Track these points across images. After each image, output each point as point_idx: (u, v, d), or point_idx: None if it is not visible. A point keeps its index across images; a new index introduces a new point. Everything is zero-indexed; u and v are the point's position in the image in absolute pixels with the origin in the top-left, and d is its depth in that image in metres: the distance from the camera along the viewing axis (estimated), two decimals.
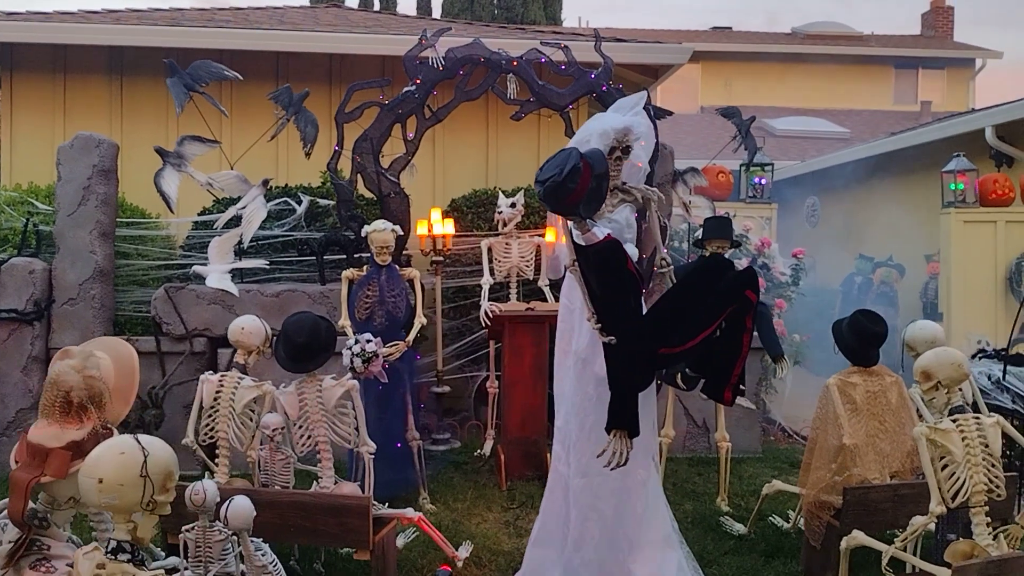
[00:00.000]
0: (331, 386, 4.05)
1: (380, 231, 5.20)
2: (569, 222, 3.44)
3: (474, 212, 7.24)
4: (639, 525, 3.89)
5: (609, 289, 3.37)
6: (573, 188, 3.20)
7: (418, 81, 6.17)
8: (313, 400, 4.05)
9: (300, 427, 4.07)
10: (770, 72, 21.06)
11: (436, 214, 6.59)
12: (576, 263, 3.51)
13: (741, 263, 7.45)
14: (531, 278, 6.29)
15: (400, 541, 4.58)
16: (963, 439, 3.53)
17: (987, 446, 3.55)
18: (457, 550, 4.47)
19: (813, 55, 20.97)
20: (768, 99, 20.65)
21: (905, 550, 3.77)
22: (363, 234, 5.33)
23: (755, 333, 5.25)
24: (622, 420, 3.33)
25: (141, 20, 8.44)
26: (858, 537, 3.77)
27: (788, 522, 4.96)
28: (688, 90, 20.83)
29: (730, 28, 23.58)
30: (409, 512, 4.25)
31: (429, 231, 6.52)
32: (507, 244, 6.20)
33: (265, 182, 6.11)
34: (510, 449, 5.79)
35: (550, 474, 4.03)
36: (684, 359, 3.68)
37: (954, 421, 3.57)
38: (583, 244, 3.40)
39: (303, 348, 4.03)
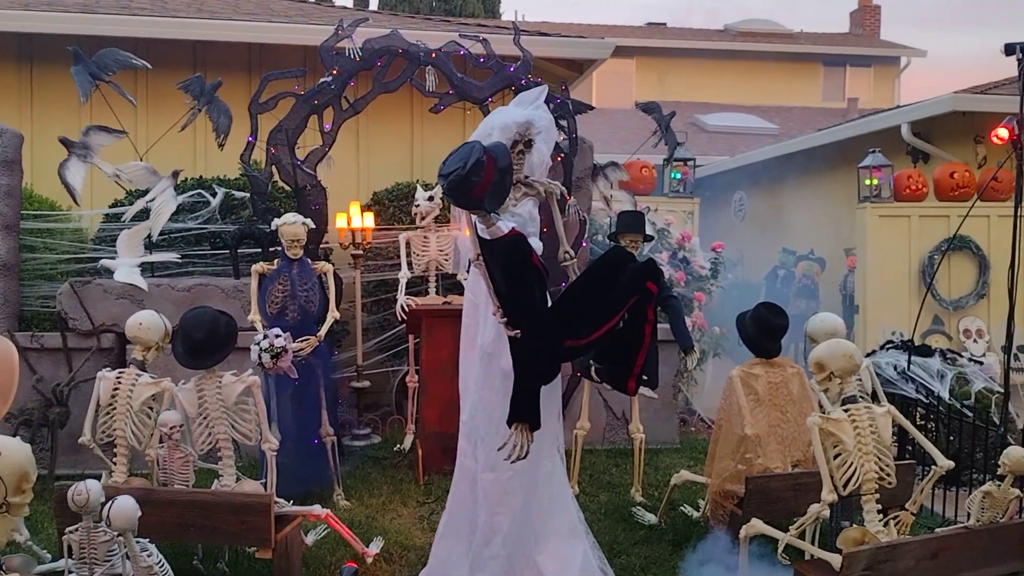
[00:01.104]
0: (231, 382, 3.97)
1: (291, 224, 5.12)
2: (474, 216, 3.43)
3: (396, 205, 7.19)
4: (545, 517, 3.91)
5: (514, 283, 3.37)
6: (477, 182, 3.18)
7: (335, 72, 6.09)
8: (213, 397, 3.97)
9: (200, 424, 3.99)
10: (703, 68, 21.33)
11: (355, 208, 6.52)
12: (481, 257, 3.50)
13: (662, 257, 7.55)
14: (450, 272, 6.26)
15: (310, 538, 4.52)
16: (855, 428, 3.62)
17: (878, 435, 3.65)
18: (368, 546, 4.44)
19: (745, 52, 21.33)
20: (701, 95, 20.93)
21: (803, 537, 3.87)
22: (273, 227, 5.24)
23: (667, 324, 5.36)
24: (524, 413, 3.34)
25: (52, 6, 8.15)
26: (756, 525, 3.85)
27: (698, 511, 5.03)
28: (623, 86, 20.98)
29: (664, 24, 23.81)
30: (316, 509, 4.19)
31: (348, 224, 6.45)
32: (425, 238, 6.17)
33: (175, 173, 5.97)
34: (428, 443, 5.77)
35: (456, 469, 4.02)
36: (589, 351, 3.70)
37: (846, 411, 3.66)
38: (487, 238, 3.39)
39: (201, 344, 3.95)
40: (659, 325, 5.38)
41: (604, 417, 6.68)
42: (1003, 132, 5.58)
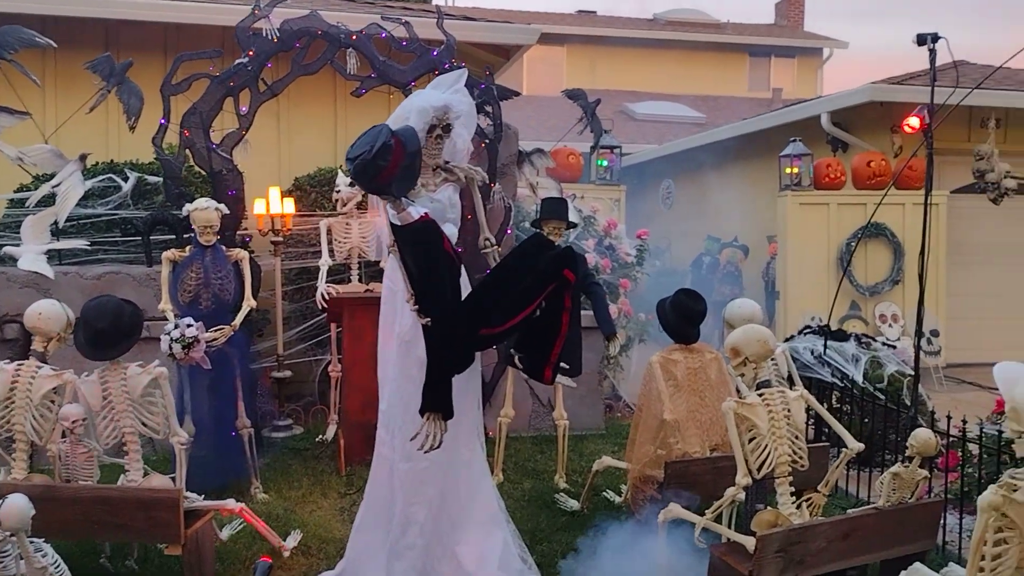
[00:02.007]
0: (137, 374, 3.81)
1: (203, 210, 4.95)
2: (384, 201, 3.35)
3: (318, 191, 7.03)
4: (464, 506, 3.89)
5: (424, 270, 3.31)
6: (384, 166, 3.11)
7: (251, 53, 5.91)
8: (118, 389, 3.81)
9: (104, 418, 3.82)
10: (633, 57, 21.50)
11: (275, 193, 6.36)
12: (395, 244, 3.43)
13: (588, 244, 7.56)
14: (373, 259, 6.16)
15: (225, 533, 4.40)
16: (769, 413, 3.67)
17: (791, 419, 3.71)
18: (285, 540, 4.34)
19: (673, 41, 21.57)
20: (631, 83, 21.11)
21: (720, 520, 3.92)
22: (184, 213, 5.06)
23: (591, 311, 5.36)
24: (436, 403, 3.29)
25: None
26: (673, 510, 3.88)
27: (621, 496, 5.06)
28: (553, 73, 21.01)
29: (594, 12, 23.90)
30: (230, 503, 4.07)
31: (267, 210, 6.29)
32: (347, 224, 6.05)
33: (82, 157, 5.72)
34: (350, 433, 5.67)
35: (374, 459, 3.96)
36: (505, 339, 3.67)
37: (761, 396, 3.71)
38: (398, 223, 3.32)
39: (104, 334, 3.78)
40: (582, 312, 5.41)
41: (530, 404, 6.67)
42: (914, 121, 5.74)
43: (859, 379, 5.74)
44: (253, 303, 5.14)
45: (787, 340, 6.61)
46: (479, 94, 6.33)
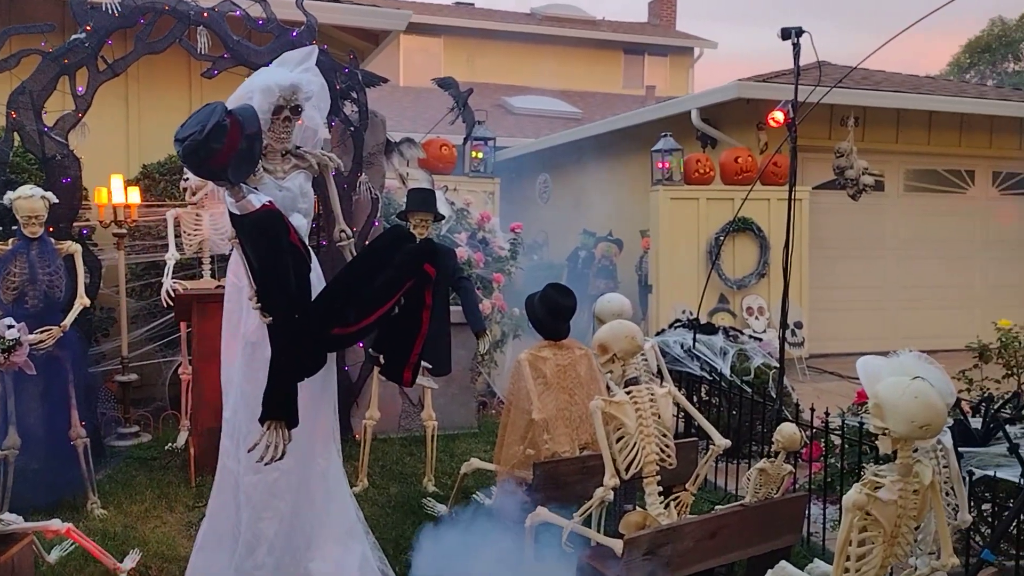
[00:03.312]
0: None
1: (26, 198, 4.46)
2: (224, 189, 3.04)
3: (168, 180, 6.54)
4: (318, 519, 3.60)
5: (266, 264, 3.01)
6: (218, 149, 2.79)
7: (88, 28, 5.41)
8: None
9: None
10: (511, 51, 21.46)
11: (117, 181, 5.86)
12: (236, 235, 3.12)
13: (460, 237, 7.36)
14: (227, 253, 5.74)
15: (54, 556, 3.97)
16: (636, 411, 3.56)
17: (659, 416, 3.61)
18: (122, 561, 3.94)
19: (550, 36, 21.63)
20: (509, 77, 21.05)
21: (590, 522, 3.79)
22: (6, 202, 4.55)
23: (459, 307, 5.15)
24: (279, 410, 3.00)
25: None
26: (541, 513, 3.72)
27: (492, 499, 4.88)
28: (431, 64, 20.69)
29: (472, 5, 23.70)
30: (54, 524, 3.64)
31: (109, 200, 5.78)
32: (197, 215, 5.63)
33: None
34: (202, 441, 5.26)
35: (218, 471, 3.62)
36: (360, 339, 3.42)
37: (628, 393, 3.59)
38: (237, 213, 3.01)
39: None
40: (452, 307, 5.19)
41: (400, 404, 6.42)
42: (779, 115, 5.80)
43: (727, 372, 5.76)
44: (86, 301, 4.67)
45: (658, 334, 6.61)
46: (343, 80, 6.03)
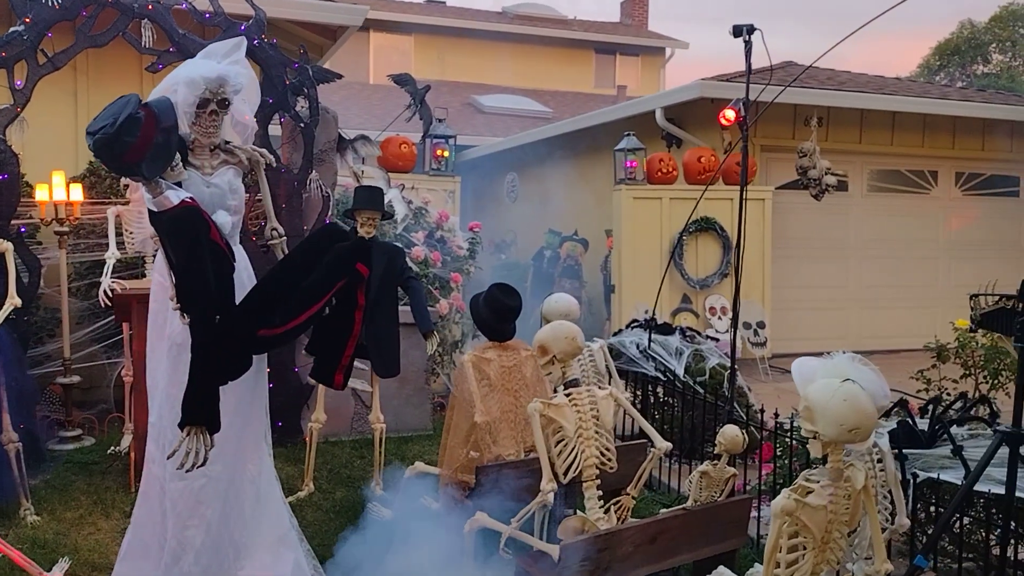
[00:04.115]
0: None
1: None
2: (142, 185, 2.92)
3: (114, 177, 6.38)
4: (248, 526, 3.49)
5: (184, 262, 2.91)
6: (131, 143, 2.69)
7: (28, 20, 5.26)
8: None
9: None
10: (482, 49, 21.34)
11: (59, 178, 5.70)
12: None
13: (418, 236, 7.26)
14: (153, 252, 5.62)
15: None
16: (576, 413, 3.49)
17: (599, 419, 3.54)
18: (50, 569, 3.80)
19: (521, 35, 21.55)
20: (480, 76, 20.95)
21: (533, 527, 3.71)
22: None
23: (408, 307, 5.04)
24: (199, 414, 2.89)
25: None
26: (479, 518, 3.64)
27: (439, 503, 4.79)
28: (401, 63, 20.51)
29: (443, 3, 23.57)
30: None
31: (50, 197, 5.63)
32: (140, 213, 5.48)
33: None
34: (143, 445, 5.08)
35: (144, 478, 3.50)
36: (287, 341, 3.32)
37: (568, 395, 3.52)
38: (155, 209, 2.90)
39: None
40: (401, 307, 5.09)
41: (352, 406, 6.31)
42: (730, 114, 5.75)
43: (680, 372, 5.70)
44: (17, 302, 4.51)
45: (615, 334, 6.54)
46: (294, 75, 5.92)
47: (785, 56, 11.58)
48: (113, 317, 5.81)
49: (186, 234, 2.86)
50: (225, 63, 3.34)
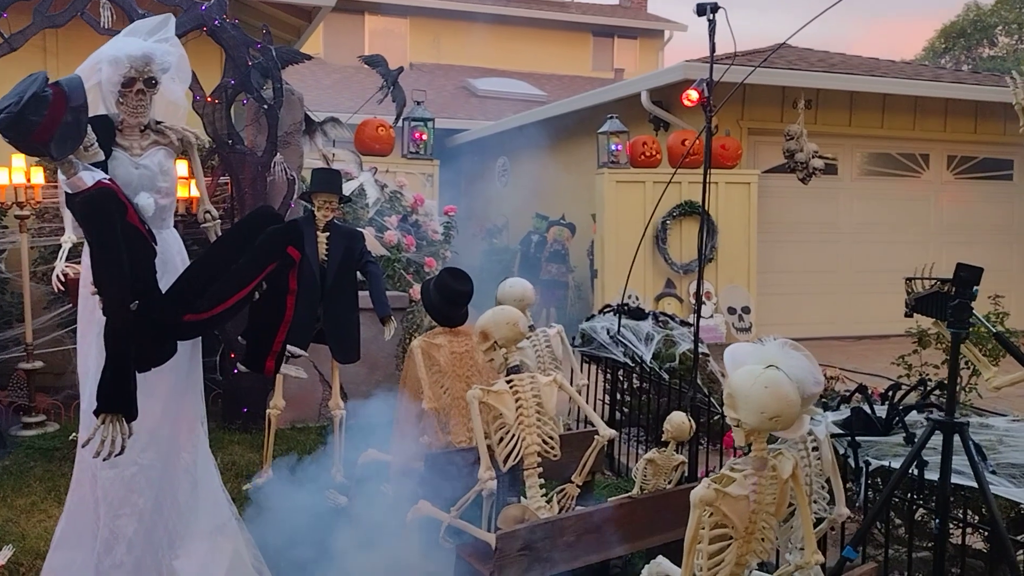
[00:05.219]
0: None
1: None
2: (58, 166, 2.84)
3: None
4: (183, 515, 3.43)
5: (98, 245, 2.82)
6: (37, 122, 2.60)
7: None
8: None
9: None
10: (478, 32, 21.15)
11: (19, 161, 5.62)
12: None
13: (391, 220, 7.17)
14: None
15: None
16: (516, 400, 3.41)
17: (542, 406, 3.46)
18: None
19: (518, 18, 21.37)
20: (476, 59, 20.78)
21: (481, 515, 3.65)
22: None
23: (370, 292, 4.95)
24: (114, 402, 2.81)
25: None
26: (422, 507, 3.58)
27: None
28: (396, 46, 20.40)
29: None
30: None
31: (10, 181, 5.56)
32: None
33: None
34: None
35: (76, 464, 3.44)
36: (215, 326, 3.25)
37: (509, 382, 3.44)
38: (69, 191, 2.82)
39: None
40: (360, 293, 5.01)
41: (320, 392, 6.24)
42: (693, 94, 5.63)
43: (648, 358, 5.62)
44: None
45: (588, 319, 6.46)
46: (256, 55, 5.82)
47: (779, 38, 11.43)
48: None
49: (100, 216, 2.78)
50: (151, 40, 3.25)
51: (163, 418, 3.35)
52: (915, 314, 2.82)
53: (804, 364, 2.60)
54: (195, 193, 4.47)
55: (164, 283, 3.12)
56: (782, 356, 2.57)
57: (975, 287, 2.57)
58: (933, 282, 2.74)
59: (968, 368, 5.66)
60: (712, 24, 4.75)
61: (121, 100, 3.21)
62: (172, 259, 3.38)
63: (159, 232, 3.38)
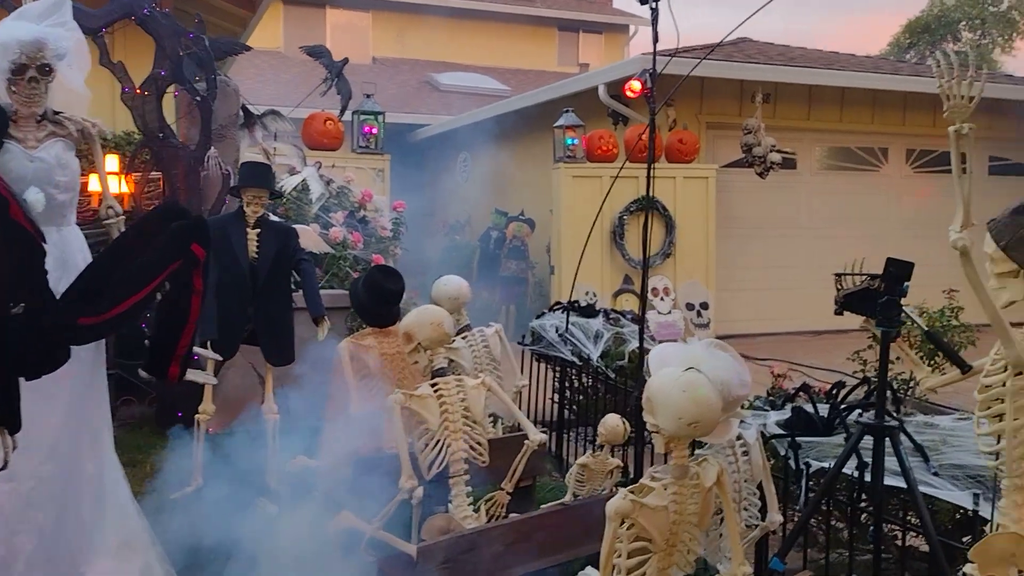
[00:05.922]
0: None
1: None
2: None
3: None
4: (86, 531, 3.23)
5: None
6: None
7: None
8: None
9: None
10: (442, 26, 20.92)
11: None
12: None
13: (337, 216, 6.96)
14: None
15: None
16: (441, 405, 3.25)
17: (469, 410, 3.30)
18: None
19: (483, 12, 21.16)
20: (440, 54, 20.55)
21: (411, 526, 3.48)
22: None
23: (303, 291, 4.75)
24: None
25: None
26: (344, 517, 3.40)
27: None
28: (359, 40, 20.13)
29: None
30: None
31: None
32: None
33: None
34: None
35: None
36: (111, 329, 3.05)
37: (434, 386, 3.28)
38: None
39: None
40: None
41: (259, 395, 6.02)
42: (636, 85, 5.50)
43: (595, 356, 5.48)
44: None
45: (538, 317, 6.31)
46: (188, 44, 5.60)
47: (743, 32, 11.35)
48: None
49: None
50: (44, 24, 3.04)
51: (64, 427, 3.15)
52: (844, 312, 2.68)
53: (730, 365, 2.47)
54: (95, 188, 4.25)
55: (64, 284, 2.93)
56: (707, 357, 2.43)
57: (906, 283, 2.45)
58: (863, 278, 2.62)
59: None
60: (655, 13, 4.61)
61: (12, 88, 3.00)
62: (72, 258, 3.18)
63: (59, 229, 3.19)
